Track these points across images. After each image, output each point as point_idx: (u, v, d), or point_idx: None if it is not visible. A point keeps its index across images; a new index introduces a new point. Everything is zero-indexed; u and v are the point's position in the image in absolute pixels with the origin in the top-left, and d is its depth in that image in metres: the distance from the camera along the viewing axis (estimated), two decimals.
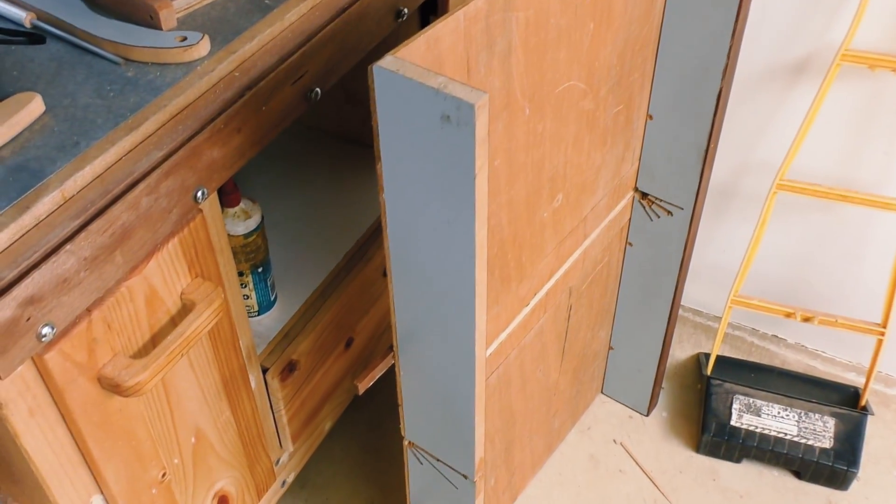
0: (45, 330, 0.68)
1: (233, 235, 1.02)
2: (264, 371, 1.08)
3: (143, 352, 0.82)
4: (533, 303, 1.06)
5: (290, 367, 1.11)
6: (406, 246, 0.72)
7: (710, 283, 1.57)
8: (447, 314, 0.74)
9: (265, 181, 1.34)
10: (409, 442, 0.92)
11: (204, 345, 0.91)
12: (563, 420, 1.41)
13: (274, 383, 1.09)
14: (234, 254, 1.04)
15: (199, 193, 0.79)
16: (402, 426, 0.91)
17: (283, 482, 1.22)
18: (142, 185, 0.72)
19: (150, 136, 0.75)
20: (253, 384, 1.04)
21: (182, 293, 0.84)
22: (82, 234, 0.68)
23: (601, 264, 1.24)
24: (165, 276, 0.81)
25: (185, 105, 0.78)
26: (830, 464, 1.33)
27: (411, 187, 0.67)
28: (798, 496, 1.35)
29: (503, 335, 1.02)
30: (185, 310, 0.85)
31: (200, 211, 0.83)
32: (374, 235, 1.24)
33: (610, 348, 1.44)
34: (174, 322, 0.84)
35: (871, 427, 1.39)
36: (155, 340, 0.83)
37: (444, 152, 0.62)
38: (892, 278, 1.28)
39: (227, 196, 1.00)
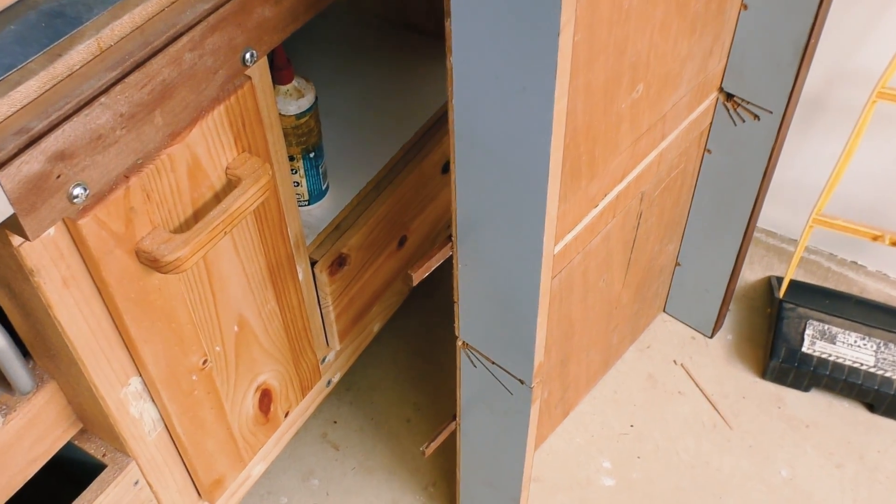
0: (78, 191, 0.62)
1: (284, 115, 0.95)
2: (313, 264, 1.03)
3: (185, 227, 0.76)
4: (602, 204, 0.98)
5: (339, 262, 1.05)
6: (474, 118, 0.64)
7: (788, 202, 1.47)
8: (515, 200, 0.66)
9: (322, 64, 1.27)
10: (464, 343, 0.86)
11: (249, 226, 0.85)
12: (623, 336, 1.34)
13: (322, 277, 1.04)
14: (285, 135, 0.98)
15: (248, 55, 0.72)
16: (456, 326, 0.85)
17: (329, 381, 1.18)
18: (185, 39, 0.66)
19: None
20: (300, 276, 0.99)
21: (227, 167, 0.78)
22: (118, 88, 0.62)
23: (676, 170, 1.14)
24: (210, 146, 0.75)
25: None
26: None
27: (483, 47, 0.59)
28: (869, 430, 1.27)
29: (569, 236, 0.94)
30: (231, 186, 0.79)
31: (249, 78, 0.76)
32: (434, 128, 1.17)
33: (677, 264, 1.36)
34: (218, 198, 0.78)
35: None
36: (197, 216, 0.77)
37: (524, 3, 0.53)
38: None
39: (280, 71, 0.93)
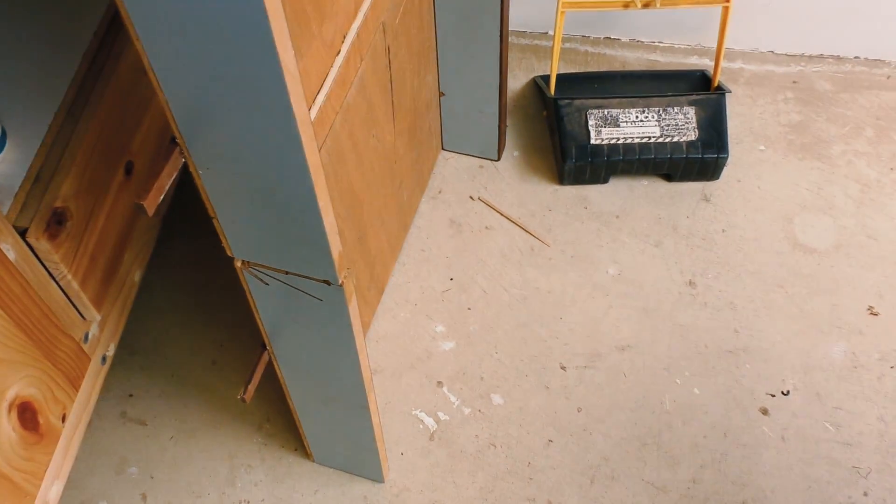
0: None
1: None
2: (23, 233, 0.81)
3: None
4: (345, 49, 0.82)
5: (57, 219, 0.83)
6: None
7: None
8: (239, 68, 0.49)
9: None
10: (243, 262, 0.69)
11: None
12: (412, 190, 1.21)
13: (42, 244, 0.82)
14: None
15: None
16: (225, 245, 0.68)
17: (104, 357, 0.97)
18: None
19: None
20: (12, 255, 0.77)
21: None
22: None
23: None
24: None
25: None
26: (700, 156, 1.22)
27: None
28: (673, 198, 1.25)
29: (320, 96, 0.78)
30: None
31: None
32: (118, 20, 0.94)
33: (441, 94, 1.23)
34: None
35: (728, 106, 1.28)
36: None
37: None
38: None
39: None
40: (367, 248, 1.05)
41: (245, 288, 0.73)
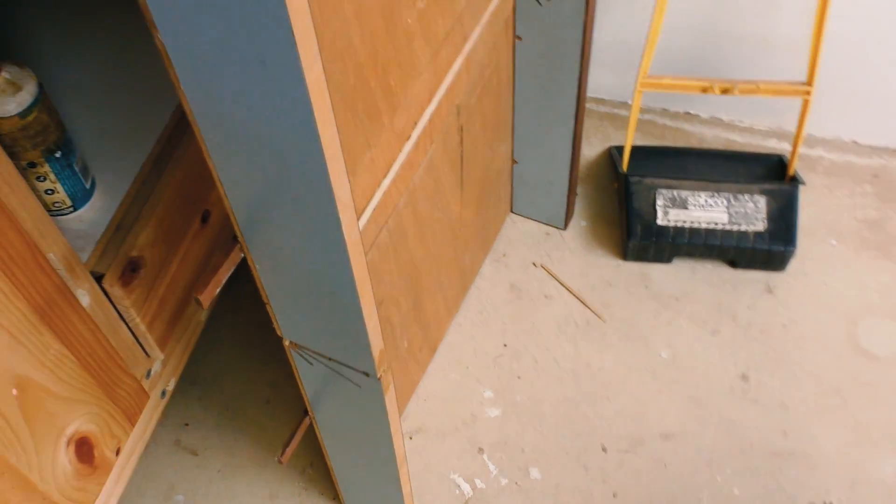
0: None
1: (4, 117, 0.76)
2: (99, 278, 0.86)
3: None
4: (416, 135, 0.84)
5: (131, 267, 0.89)
6: (213, 104, 0.49)
7: (612, 64, 1.38)
8: (294, 188, 0.52)
9: (43, 38, 1.03)
10: (291, 342, 0.73)
11: None
12: (475, 253, 1.24)
13: (115, 291, 0.87)
14: (14, 141, 0.79)
15: None
16: (276, 326, 0.71)
17: (163, 392, 1.03)
18: None
19: None
20: (85, 301, 0.82)
21: None
22: None
23: (489, 69, 1.02)
24: None
25: None
26: (767, 247, 1.21)
27: (194, 19, 0.43)
28: (736, 286, 1.24)
29: (386, 182, 0.81)
30: None
31: None
32: None
33: (514, 162, 1.25)
34: None
35: (801, 196, 1.26)
36: None
37: None
38: (815, 27, 1.11)
39: None
40: (422, 312, 1.08)
41: (291, 362, 0.76)
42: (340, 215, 0.52)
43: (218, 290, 0.61)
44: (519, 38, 1.07)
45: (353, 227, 0.55)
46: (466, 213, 1.12)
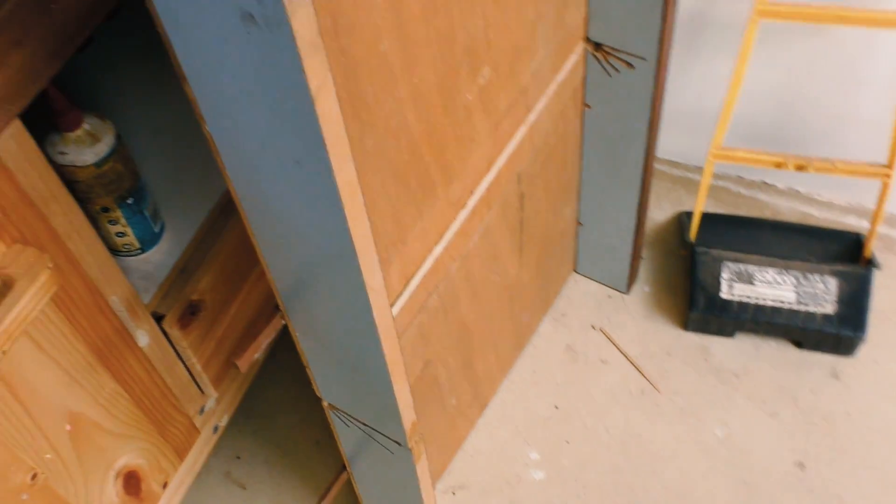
0: None
1: (81, 167, 0.80)
2: (160, 319, 0.90)
3: None
4: (471, 203, 0.86)
5: (191, 310, 0.92)
6: (256, 190, 0.51)
7: (687, 130, 1.37)
8: (328, 276, 0.54)
9: (120, 89, 1.07)
10: (329, 404, 0.74)
11: (52, 319, 0.72)
12: (533, 312, 1.24)
13: (174, 332, 0.91)
14: (90, 188, 0.83)
15: None
16: (315, 387, 0.73)
17: (216, 427, 1.06)
18: None
19: None
20: (143, 341, 0.86)
21: None
22: None
23: (554, 136, 1.03)
24: None
25: None
26: (835, 331, 1.17)
27: (238, 117, 0.45)
28: (800, 369, 1.20)
29: (438, 249, 0.83)
30: (6, 287, 0.65)
31: None
32: None
33: (578, 224, 1.25)
34: None
35: (876, 278, 1.22)
36: None
37: (262, 69, 0.40)
38: None
39: (63, 118, 0.78)
40: (473, 371, 1.09)
41: (330, 422, 0.78)
42: (371, 303, 0.54)
43: (256, 355, 0.64)
44: (588, 106, 1.07)
45: (385, 312, 0.57)
46: (525, 275, 1.13)
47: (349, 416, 0.73)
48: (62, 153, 0.79)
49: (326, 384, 0.71)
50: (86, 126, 0.80)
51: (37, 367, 0.71)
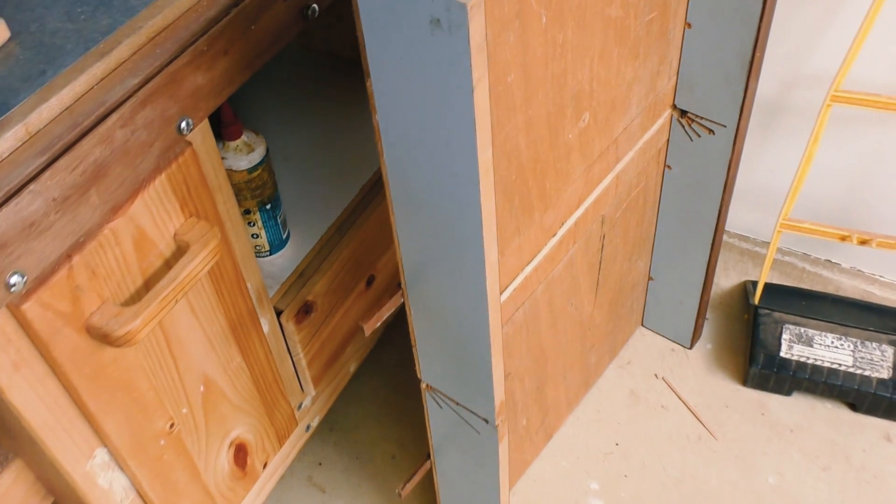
0: (14, 279, 0.62)
1: (235, 171, 0.95)
2: (278, 313, 1.03)
3: (136, 298, 0.76)
4: (561, 233, 0.98)
5: (305, 309, 1.05)
6: (406, 172, 0.64)
7: (758, 206, 1.47)
8: (453, 250, 0.66)
9: (273, 109, 1.27)
10: (427, 385, 0.86)
11: (205, 288, 0.85)
12: (601, 355, 1.34)
13: (289, 326, 1.03)
14: (239, 190, 0.98)
15: (184, 124, 0.72)
16: (417, 368, 0.85)
17: (308, 426, 1.17)
18: (114, 117, 0.66)
19: (124, 61, 0.68)
20: (266, 328, 0.99)
21: (175, 234, 0.78)
22: (48, 173, 0.62)
23: (636, 189, 1.15)
24: (155, 216, 0.75)
25: (163, 26, 0.71)
26: (889, 395, 1.24)
27: (405, 105, 0.59)
28: (853, 429, 1.27)
29: (529, 268, 0.94)
30: (180, 252, 0.79)
31: (189, 144, 0.76)
32: None
33: (649, 279, 1.36)
34: (168, 265, 0.78)
35: None
36: (148, 285, 0.77)
37: (437, 63, 0.54)
38: None
39: (228, 128, 0.94)
40: (544, 396, 1.19)
41: (424, 405, 0.89)
42: (487, 279, 0.66)
43: (379, 323, 0.76)
44: (669, 167, 1.19)
45: (495, 293, 0.69)
46: (597, 315, 1.23)
47: (444, 396, 0.84)
48: (223, 158, 0.94)
49: (428, 363, 0.83)
50: (244, 137, 0.95)
51: (188, 327, 0.85)
